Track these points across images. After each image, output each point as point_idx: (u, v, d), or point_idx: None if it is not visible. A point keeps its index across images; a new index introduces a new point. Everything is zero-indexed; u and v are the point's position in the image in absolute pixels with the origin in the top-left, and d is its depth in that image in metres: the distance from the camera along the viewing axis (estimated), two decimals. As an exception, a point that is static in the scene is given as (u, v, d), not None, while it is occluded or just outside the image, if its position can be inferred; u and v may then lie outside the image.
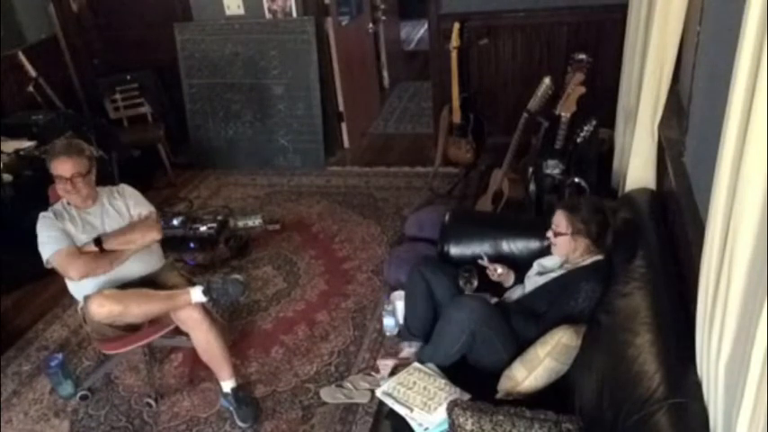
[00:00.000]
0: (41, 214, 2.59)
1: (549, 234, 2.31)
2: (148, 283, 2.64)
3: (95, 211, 2.65)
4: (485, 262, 2.51)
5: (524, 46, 4.31)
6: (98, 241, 2.55)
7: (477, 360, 2.28)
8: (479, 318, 2.20)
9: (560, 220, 2.26)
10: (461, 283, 2.45)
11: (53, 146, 2.67)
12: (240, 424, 2.58)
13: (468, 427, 1.77)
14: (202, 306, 2.53)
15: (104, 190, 2.73)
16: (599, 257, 2.25)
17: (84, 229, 2.58)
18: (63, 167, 2.51)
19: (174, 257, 3.23)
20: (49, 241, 2.50)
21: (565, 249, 2.29)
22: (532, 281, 2.40)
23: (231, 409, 2.61)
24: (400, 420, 2.04)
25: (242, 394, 2.63)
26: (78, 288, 2.62)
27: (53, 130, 3.96)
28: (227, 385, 2.62)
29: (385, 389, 2.16)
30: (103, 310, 2.43)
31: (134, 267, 2.65)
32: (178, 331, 2.72)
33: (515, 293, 2.44)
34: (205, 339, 2.54)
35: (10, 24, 4.32)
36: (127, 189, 2.79)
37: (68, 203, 2.63)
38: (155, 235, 2.64)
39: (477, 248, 2.73)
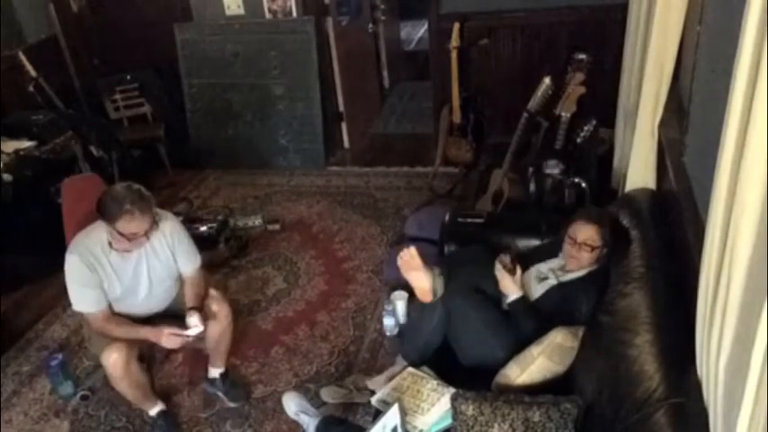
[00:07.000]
0: (69, 257, 2.24)
1: (571, 246, 2.24)
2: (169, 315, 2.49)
3: (133, 255, 2.32)
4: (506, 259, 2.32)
5: (524, 46, 4.30)
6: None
7: (464, 348, 2.23)
8: (454, 288, 2.25)
9: (592, 233, 2.21)
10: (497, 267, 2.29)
11: (118, 200, 2.15)
12: (231, 404, 2.67)
13: (470, 412, 1.83)
14: (224, 299, 2.56)
15: None
16: (596, 267, 2.25)
17: (118, 276, 2.31)
18: (140, 225, 2.17)
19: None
20: (84, 299, 2.28)
21: (587, 262, 2.25)
22: (529, 286, 2.36)
23: (219, 393, 2.69)
24: (400, 420, 2.04)
25: (230, 377, 2.74)
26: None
27: (53, 130, 3.96)
28: (217, 371, 2.69)
29: (380, 396, 2.18)
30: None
31: (150, 304, 2.47)
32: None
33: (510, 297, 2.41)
34: (220, 330, 2.54)
35: (10, 24, 4.32)
36: (168, 224, 2.38)
37: (107, 246, 2.27)
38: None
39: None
